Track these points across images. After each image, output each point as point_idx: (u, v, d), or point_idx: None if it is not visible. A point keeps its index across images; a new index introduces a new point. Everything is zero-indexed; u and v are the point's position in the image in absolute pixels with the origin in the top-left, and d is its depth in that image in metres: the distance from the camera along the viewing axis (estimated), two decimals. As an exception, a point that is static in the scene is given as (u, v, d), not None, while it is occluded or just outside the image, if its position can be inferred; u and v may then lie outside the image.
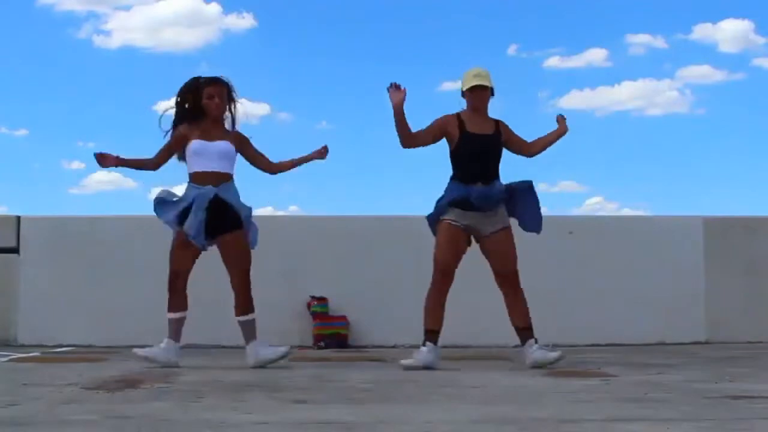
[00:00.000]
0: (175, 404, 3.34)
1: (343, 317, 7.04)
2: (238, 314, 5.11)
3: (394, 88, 5.11)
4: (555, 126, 5.37)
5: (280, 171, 5.40)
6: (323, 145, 5.41)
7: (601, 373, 4.71)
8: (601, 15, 15.36)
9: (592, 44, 15.27)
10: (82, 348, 6.71)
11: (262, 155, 5.31)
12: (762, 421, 2.95)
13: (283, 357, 5.09)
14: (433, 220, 5.19)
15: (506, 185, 5.18)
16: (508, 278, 5.17)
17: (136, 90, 15.17)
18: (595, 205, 13.58)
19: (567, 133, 5.34)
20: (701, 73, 14.65)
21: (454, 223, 5.10)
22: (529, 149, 5.34)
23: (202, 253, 5.09)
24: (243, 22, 15.10)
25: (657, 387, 3.99)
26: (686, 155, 15.39)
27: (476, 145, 5.14)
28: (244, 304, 5.09)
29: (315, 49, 15.30)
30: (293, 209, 12.81)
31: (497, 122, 5.26)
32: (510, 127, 5.30)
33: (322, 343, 6.90)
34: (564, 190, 14.50)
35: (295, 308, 7.03)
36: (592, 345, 6.93)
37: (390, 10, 15.42)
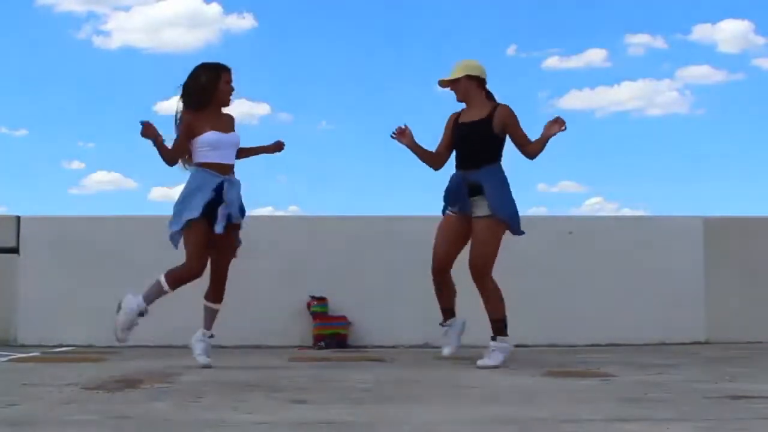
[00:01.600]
0: (175, 404, 3.34)
1: (343, 317, 7.04)
2: (211, 300, 5.14)
3: (398, 133, 5.36)
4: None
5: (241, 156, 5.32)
6: (280, 140, 5.38)
7: (601, 373, 4.71)
8: (600, 15, 15.35)
9: (591, 44, 15.21)
10: (82, 348, 6.71)
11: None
12: (762, 421, 2.95)
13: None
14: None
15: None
16: (473, 270, 5.16)
17: (137, 90, 15.15)
18: (595, 205, 13.56)
19: (559, 132, 5.18)
20: (701, 73, 14.64)
21: (449, 212, 5.29)
22: (526, 151, 5.26)
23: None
24: (243, 22, 15.08)
25: (657, 387, 3.99)
26: (686, 155, 15.37)
27: (460, 133, 5.25)
28: (221, 293, 5.14)
29: (315, 49, 15.29)
30: (293, 209, 12.79)
31: (495, 107, 5.22)
32: (512, 117, 5.21)
33: (322, 343, 6.89)
34: (564, 190, 14.47)
35: (295, 308, 7.03)
36: (592, 345, 6.93)
37: (390, 10, 15.41)
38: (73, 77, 15.26)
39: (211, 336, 5.18)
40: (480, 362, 5.07)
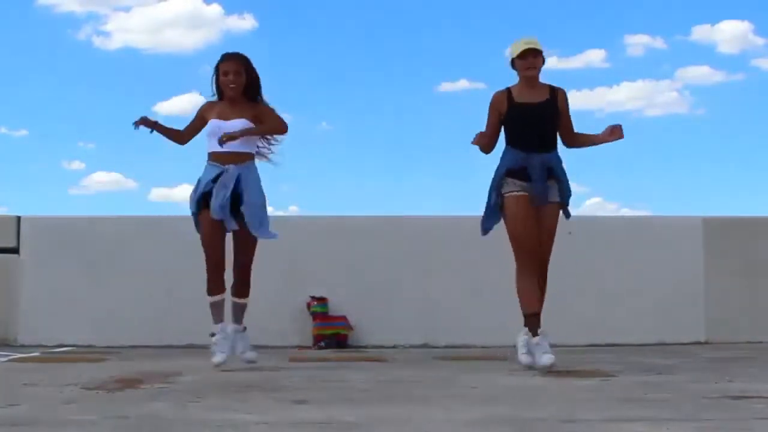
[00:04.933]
0: (175, 404, 3.34)
1: (343, 317, 7.04)
2: (234, 295, 5.12)
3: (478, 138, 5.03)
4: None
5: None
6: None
7: (601, 373, 4.71)
8: (599, 16, 15.34)
9: (590, 45, 15.22)
10: (82, 348, 6.71)
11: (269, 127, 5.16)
12: (762, 421, 2.95)
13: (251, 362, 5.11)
14: (492, 190, 4.98)
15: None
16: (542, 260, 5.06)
17: (137, 91, 15.15)
18: (595, 205, 13.55)
19: (612, 141, 5.00)
20: (700, 73, 14.63)
21: (518, 193, 4.92)
22: (569, 139, 5.09)
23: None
24: (244, 23, 15.08)
25: (657, 387, 3.99)
26: (686, 155, 15.37)
27: (525, 114, 4.95)
28: (242, 289, 5.12)
29: (315, 49, 15.30)
30: (293, 209, 12.79)
31: (554, 90, 5.04)
32: (568, 102, 5.07)
33: (322, 343, 6.89)
34: (563, 190, 14.46)
35: (295, 308, 7.03)
36: (592, 345, 6.93)
37: (389, 11, 15.41)
38: (74, 78, 15.26)
39: (244, 329, 5.15)
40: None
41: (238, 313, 5.15)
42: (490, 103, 5.08)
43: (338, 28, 15.46)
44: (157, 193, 14.66)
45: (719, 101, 14.72)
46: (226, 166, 4.97)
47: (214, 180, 4.95)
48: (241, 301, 5.14)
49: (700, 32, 14.67)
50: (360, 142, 15.13)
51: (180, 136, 5.20)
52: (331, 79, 15.28)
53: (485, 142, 5.04)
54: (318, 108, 15.19)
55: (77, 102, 15.08)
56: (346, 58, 15.50)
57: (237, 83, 5.05)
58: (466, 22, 14.98)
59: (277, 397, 3.57)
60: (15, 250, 7.12)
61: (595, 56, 14.80)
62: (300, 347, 6.84)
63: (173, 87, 17.32)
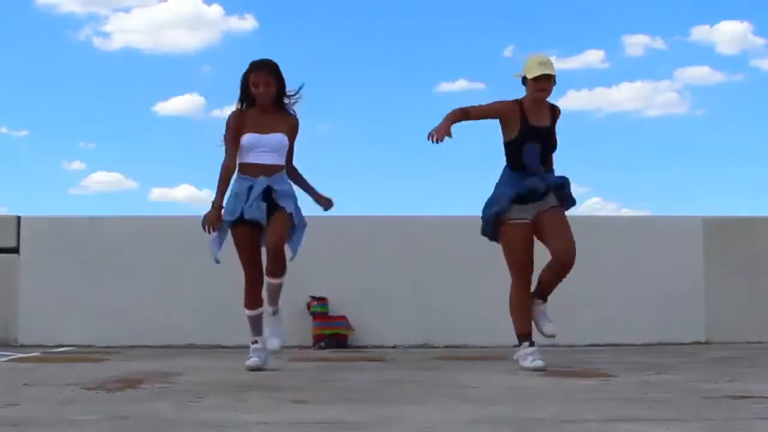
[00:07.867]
0: (175, 404, 3.34)
1: (343, 317, 7.04)
2: (268, 275, 4.98)
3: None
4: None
5: (291, 178, 5.18)
6: (331, 199, 5.34)
7: (601, 373, 4.71)
8: (598, 16, 15.35)
9: (589, 45, 15.23)
10: (82, 348, 6.71)
11: (290, 153, 5.15)
12: (762, 421, 2.95)
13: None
14: (493, 218, 4.99)
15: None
16: (565, 265, 5.02)
17: (137, 91, 15.18)
18: (595, 205, 13.56)
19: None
20: (700, 74, 14.66)
21: (520, 221, 4.95)
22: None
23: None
24: (245, 23, 15.11)
25: (657, 387, 3.99)
26: (686, 156, 15.39)
27: (539, 138, 4.98)
28: (275, 267, 4.95)
29: (316, 50, 15.30)
30: (293, 209, 12.78)
31: (553, 109, 5.09)
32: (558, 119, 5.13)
33: (322, 343, 6.90)
34: (563, 190, 14.46)
35: (295, 308, 7.03)
36: (592, 345, 6.93)
37: (389, 11, 15.43)
38: (74, 78, 15.29)
39: (275, 312, 5.06)
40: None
41: (273, 294, 5.01)
42: (500, 104, 5.03)
43: (338, 29, 15.48)
44: (157, 193, 14.69)
45: (719, 101, 14.74)
46: (258, 179, 4.92)
47: (246, 194, 4.91)
48: (275, 281, 4.97)
49: (700, 32, 14.70)
50: (359, 142, 15.15)
51: (230, 171, 5.02)
52: (330, 79, 15.29)
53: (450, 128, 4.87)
54: (317, 108, 15.19)
55: (77, 102, 15.11)
56: (345, 59, 15.52)
57: (267, 94, 4.97)
58: (466, 22, 15.00)
59: (277, 397, 3.57)
60: (15, 250, 7.13)
61: (594, 56, 14.82)
62: (300, 347, 6.84)
63: (173, 87, 17.35)
